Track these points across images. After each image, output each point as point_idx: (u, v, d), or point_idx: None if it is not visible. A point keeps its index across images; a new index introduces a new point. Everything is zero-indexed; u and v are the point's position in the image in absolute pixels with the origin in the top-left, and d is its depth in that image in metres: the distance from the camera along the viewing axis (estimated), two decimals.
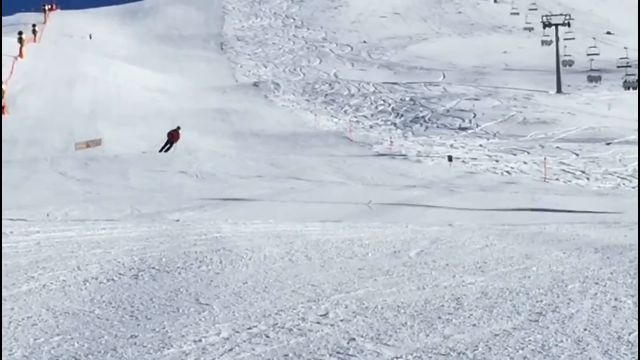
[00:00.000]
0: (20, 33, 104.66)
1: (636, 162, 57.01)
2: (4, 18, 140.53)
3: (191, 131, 65.23)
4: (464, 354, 6.64)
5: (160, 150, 50.88)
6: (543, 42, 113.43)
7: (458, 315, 7.79)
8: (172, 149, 51.39)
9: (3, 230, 13.59)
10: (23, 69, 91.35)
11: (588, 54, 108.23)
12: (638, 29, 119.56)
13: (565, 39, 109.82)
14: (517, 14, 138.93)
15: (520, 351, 6.71)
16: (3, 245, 11.65)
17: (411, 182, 38.24)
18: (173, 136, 52.41)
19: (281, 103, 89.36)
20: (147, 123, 70.01)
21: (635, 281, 9.18)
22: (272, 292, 8.70)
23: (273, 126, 66.20)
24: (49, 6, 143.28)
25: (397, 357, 6.55)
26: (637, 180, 50.73)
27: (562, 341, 6.97)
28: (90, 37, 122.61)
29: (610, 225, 18.74)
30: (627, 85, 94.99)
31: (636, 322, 7.56)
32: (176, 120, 69.49)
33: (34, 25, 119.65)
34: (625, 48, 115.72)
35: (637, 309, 8.01)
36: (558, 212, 25.04)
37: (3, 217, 17.58)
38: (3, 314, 7.82)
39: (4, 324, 7.52)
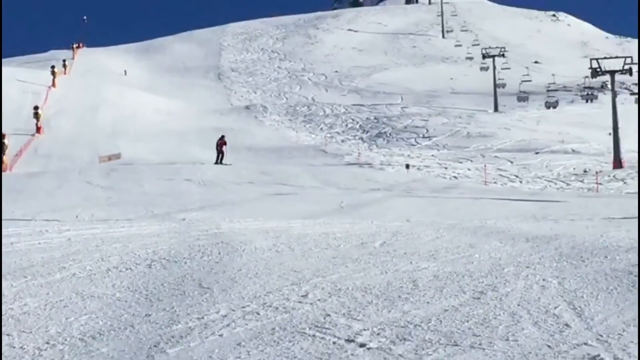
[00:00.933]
0: (52, 67, 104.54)
1: (560, 168, 57.14)
2: (39, 55, 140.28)
3: (194, 146, 65.20)
4: (419, 326, 6.69)
5: (216, 163, 48.88)
6: (481, 69, 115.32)
7: (414, 294, 7.83)
8: (224, 156, 49.11)
9: (40, 229, 13.57)
10: (55, 97, 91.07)
11: (522, 81, 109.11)
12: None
13: (503, 69, 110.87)
14: (460, 45, 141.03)
15: (466, 323, 6.76)
16: (40, 241, 11.63)
17: (376, 186, 38.18)
18: (220, 145, 50.21)
19: (268, 122, 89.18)
20: (159, 140, 69.96)
21: (559, 265, 9.21)
22: (261, 277, 8.73)
23: (262, 141, 66.06)
24: (77, 44, 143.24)
25: (364, 330, 6.59)
26: (562, 183, 50.81)
27: (499, 315, 7.02)
28: (125, 73, 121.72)
29: (539, 219, 18.81)
30: (547, 105, 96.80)
31: (560, 298, 7.61)
32: (184, 139, 69.25)
33: (64, 61, 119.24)
34: (553, 75, 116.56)
35: (561, 288, 8.06)
36: (496, 209, 25.03)
37: (40, 218, 17.53)
38: (40, 298, 7.83)
39: (40, 306, 7.53)
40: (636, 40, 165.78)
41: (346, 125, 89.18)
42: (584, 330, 6.53)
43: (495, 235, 12.51)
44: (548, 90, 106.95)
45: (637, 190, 41.84)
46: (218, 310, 7.24)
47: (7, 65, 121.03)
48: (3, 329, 6.77)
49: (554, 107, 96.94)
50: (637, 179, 52.46)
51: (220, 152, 48.67)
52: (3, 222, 15.56)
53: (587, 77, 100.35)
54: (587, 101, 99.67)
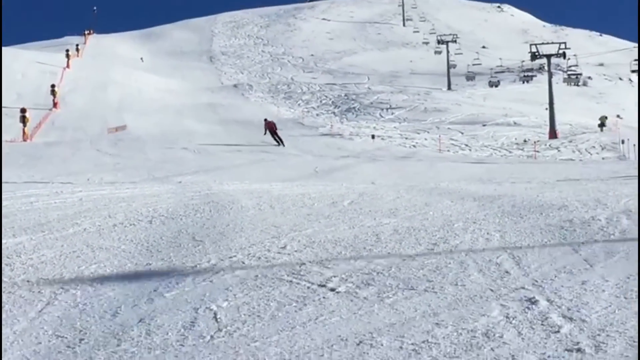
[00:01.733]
0: (67, 51, 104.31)
1: (503, 138, 57.32)
2: (55, 40, 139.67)
3: (190, 119, 64.90)
4: (381, 273, 6.70)
5: (278, 145, 42.11)
6: (436, 52, 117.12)
7: (377, 246, 7.85)
8: (276, 136, 42.34)
9: (55, 191, 13.51)
10: (70, 77, 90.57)
11: (473, 64, 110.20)
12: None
13: (456, 54, 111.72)
14: (418, 32, 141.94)
15: (421, 270, 6.78)
16: (56, 200, 11.59)
17: (345, 153, 38.25)
18: (270, 127, 43.21)
19: (253, 99, 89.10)
20: (159, 114, 69.80)
21: (501, 220, 9.23)
22: (246, 232, 8.73)
23: (248, 115, 65.75)
24: (88, 31, 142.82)
25: (334, 276, 6.60)
26: (505, 151, 50.92)
27: (450, 263, 7.05)
28: (142, 60, 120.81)
29: (485, 182, 18.88)
30: (490, 84, 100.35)
31: (502, 249, 7.63)
32: (181, 113, 68.97)
33: (77, 45, 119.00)
34: (500, 59, 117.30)
35: (503, 241, 8.09)
36: (448, 173, 25.08)
37: (56, 181, 17.44)
38: (56, 249, 7.80)
39: (56, 256, 7.50)
40: (570, 29, 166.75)
41: (320, 101, 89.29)
42: (521, 277, 6.56)
43: (447, 196, 12.53)
44: (496, 73, 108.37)
45: (569, 157, 41.99)
46: (209, 260, 7.25)
47: (28, 49, 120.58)
48: (24, 275, 6.75)
49: (496, 86, 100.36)
50: (570, 148, 52.73)
51: (273, 133, 42.55)
52: (24, 184, 15.48)
53: (524, 61, 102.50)
54: (523, 82, 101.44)
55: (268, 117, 48.51)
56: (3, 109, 69.04)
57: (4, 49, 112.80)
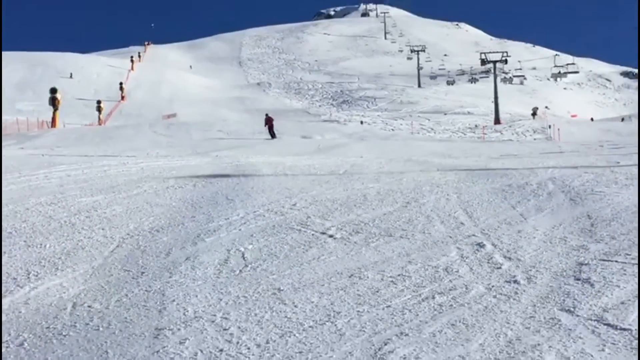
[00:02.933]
0: (131, 57, 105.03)
1: (460, 124, 57.35)
2: (122, 49, 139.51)
3: (223, 109, 64.88)
4: (367, 224, 6.71)
5: (270, 138, 34.21)
6: (408, 58, 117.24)
7: (364, 204, 7.84)
8: (271, 131, 35.17)
9: (123, 162, 13.48)
10: (133, 77, 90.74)
11: (439, 68, 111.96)
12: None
13: (426, 61, 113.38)
14: (395, 42, 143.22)
15: (398, 222, 6.79)
16: (123, 169, 11.57)
17: (341, 135, 38.15)
18: (269, 122, 35.94)
19: (272, 94, 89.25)
20: (200, 105, 69.93)
21: (458, 185, 9.20)
22: (266, 193, 8.72)
23: (268, 106, 65.79)
24: (147, 42, 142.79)
25: (332, 226, 6.60)
26: (461, 133, 50.89)
27: (419, 217, 7.05)
28: (191, 67, 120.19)
29: (446, 156, 18.83)
30: (448, 83, 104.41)
31: (458, 206, 7.61)
32: (217, 104, 68.91)
33: (139, 53, 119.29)
34: (460, 64, 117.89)
35: (459, 200, 8.08)
36: (418, 150, 25.05)
37: (123, 155, 17.39)
38: (123, 205, 7.79)
39: (123, 211, 7.50)
40: (511, 41, 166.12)
41: (322, 95, 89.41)
42: (473, 227, 6.57)
43: (417, 166, 12.50)
44: (453, 74, 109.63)
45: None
46: (238, 214, 7.24)
47: (102, 55, 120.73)
48: (99, 225, 6.75)
49: (452, 84, 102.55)
50: (510, 132, 52.65)
51: (271, 130, 35.56)
52: (99, 157, 15.45)
53: (472, 67, 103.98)
54: (472, 82, 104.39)
55: (269, 113, 41.50)
56: (85, 100, 69.26)
57: (86, 55, 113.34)
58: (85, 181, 9.82)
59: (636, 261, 5.27)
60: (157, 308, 4.47)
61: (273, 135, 34.75)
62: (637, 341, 3.84)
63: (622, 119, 64.16)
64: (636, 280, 4.84)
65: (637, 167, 10.36)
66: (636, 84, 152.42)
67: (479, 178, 9.88)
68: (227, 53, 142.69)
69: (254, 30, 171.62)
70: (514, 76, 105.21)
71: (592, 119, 63.30)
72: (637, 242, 5.83)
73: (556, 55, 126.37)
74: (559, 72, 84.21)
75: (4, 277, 5.08)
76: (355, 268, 5.25)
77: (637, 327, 4.02)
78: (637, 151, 15.29)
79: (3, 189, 8.81)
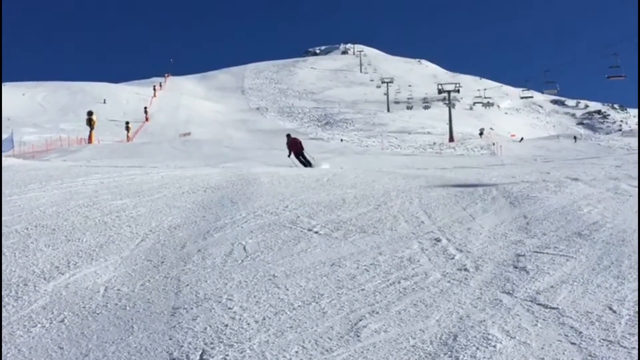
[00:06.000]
0: (154, 86, 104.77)
1: (421, 141, 57.61)
2: (146, 80, 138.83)
3: (229, 129, 64.77)
4: (345, 222, 6.68)
5: (305, 166, 20.48)
6: (377, 87, 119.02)
7: (343, 206, 7.82)
8: (301, 157, 21.00)
9: (147, 172, 13.39)
10: (155, 102, 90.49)
11: (407, 98, 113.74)
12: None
13: (397, 92, 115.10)
14: (367, 74, 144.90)
15: (370, 221, 6.77)
16: (146, 177, 11.46)
17: (325, 150, 38.17)
18: (294, 147, 21.20)
19: (269, 117, 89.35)
20: (210, 125, 69.75)
21: (419, 191, 9.11)
22: (263, 197, 8.66)
23: (265, 127, 65.88)
24: (167, 74, 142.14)
25: (317, 224, 6.58)
26: (422, 149, 51.07)
27: (387, 217, 7.04)
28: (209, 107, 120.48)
29: (410, 167, 18.87)
30: (407, 108, 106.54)
31: (420, 209, 7.60)
32: (224, 125, 68.81)
33: (160, 83, 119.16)
34: (426, 93, 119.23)
35: (420, 203, 8.06)
36: (387, 162, 25.09)
37: (147, 166, 17.27)
38: (146, 207, 7.73)
39: (147, 211, 7.43)
40: (462, 74, 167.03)
41: (309, 118, 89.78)
42: (431, 225, 6.58)
43: (387, 175, 12.48)
44: (412, 101, 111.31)
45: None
46: (241, 214, 7.20)
47: (130, 85, 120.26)
48: (127, 222, 6.70)
49: (411, 109, 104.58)
50: (462, 148, 52.79)
51: (301, 157, 21.05)
52: (127, 167, 15.35)
53: (426, 94, 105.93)
54: (425, 108, 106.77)
55: (291, 134, 23.42)
56: (116, 121, 68.89)
57: (117, 84, 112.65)
58: (116, 187, 9.76)
59: (563, 253, 5.31)
60: (174, 291, 4.46)
61: (306, 163, 20.53)
62: (563, 317, 3.86)
63: (558, 137, 64.35)
64: (563, 268, 4.87)
65: (564, 177, 10.40)
66: (563, 110, 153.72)
67: (436, 185, 9.89)
68: (232, 83, 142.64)
69: (254, 64, 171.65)
70: (473, 105, 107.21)
71: (521, 139, 63.27)
72: (563, 237, 5.87)
73: (500, 86, 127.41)
74: (486, 102, 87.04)
75: (48, 266, 5.05)
76: (335, 258, 5.25)
77: (564, 306, 4.04)
78: (564, 164, 15.36)
79: (48, 193, 8.74)
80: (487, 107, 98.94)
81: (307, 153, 20.96)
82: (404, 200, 8.26)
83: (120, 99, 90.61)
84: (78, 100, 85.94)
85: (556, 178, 10.24)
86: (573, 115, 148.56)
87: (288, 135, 22.03)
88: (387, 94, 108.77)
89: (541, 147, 49.92)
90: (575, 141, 56.40)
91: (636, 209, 7.13)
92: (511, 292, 4.36)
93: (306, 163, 20.56)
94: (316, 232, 6.20)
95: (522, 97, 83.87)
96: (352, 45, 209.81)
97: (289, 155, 20.74)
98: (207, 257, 5.30)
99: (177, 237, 6.05)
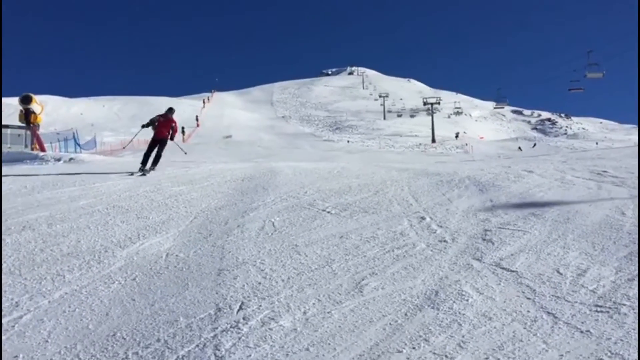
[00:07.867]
0: (204, 100, 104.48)
1: (410, 142, 57.22)
2: (197, 94, 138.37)
3: (261, 133, 64.61)
4: (351, 205, 6.64)
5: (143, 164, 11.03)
6: (375, 100, 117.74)
7: (350, 192, 7.77)
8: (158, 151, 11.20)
9: (198, 165, 13.38)
10: (204, 112, 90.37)
11: (401, 108, 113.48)
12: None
13: (392, 105, 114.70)
14: (367, 89, 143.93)
15: (371, 204, 6.72)
16: (198, 170, 11.45)
17: (334, 149, 38.08)
18: (161, 132, 11.03)
19: (292, 123, 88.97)
20: (246, 130, 69.56)
21: (409, 180, 9.00)
22: (288, 185, 8.63)
23: (289, 131, 65.66)
24: (213, 90, 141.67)
25: (329, 206, 6.54)
26: (410, 149, 50.77)
27: (384, 201, 6.98)
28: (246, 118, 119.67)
29: (401, 163, 18.75)
30: (397, 115, 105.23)
31: (409, 194, 7.55)
32: (257, 130, 68.83)
33: (208, 97, 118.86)
34: (415, 105, 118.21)
35: (409, 190, 8.00)
36: (384, 158, 24.96)
37: (198, 161, 17.27)
38: (197, 192, 7.72)
39: (197, 196, 7.42)
40: (443, 90, 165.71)
41: (323, 124, 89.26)
42: (418, 207, 6.54)
43: (383, 169, 12.40)
44: (402, 110, 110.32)
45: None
46: (270, 198, 7.17)
47: (185, 98, 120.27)
48: (183, 204, 6.71)
49: (401, 117, 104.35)
50: (441, 148, 52.41)
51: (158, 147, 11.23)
52: (183, 162, 15.37)
53: (415, 106, 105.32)
54: (412, 117, 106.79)
55: (174, 111, 12.98)
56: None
57: (175, 98, 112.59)
58: (174, 177, 9.79)
59: (521, 228, 5.25)
60: (219, 257, 4.48)
61: (153, 161, 11.07)
62: (521, 278, 3.83)
63: (519, 146, 62.33)
64: (521, 240, 4.83)
65: (521, 170, 10.28)
66: (521, 118, 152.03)
67: (422, 176, 9.83)
68: (264, 97, 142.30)
69: (280, 83, 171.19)
70: (451, 114, 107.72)
71: (481, 137, 62.95)
72: (521, 216, 5.80)
73: (474, 99, 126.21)
74: (457, 112, 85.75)
75: (123, 237, 5.08)
76: (343, 232, 5.23)
77: (521, 270, 4.01)
78: (522, 160, 15.18)
79: (123, 181, 8.80)
80: (458, 115, 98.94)
81: (164, 152, 11.41)
82: (397, 187, 8.22)
83: (177, 109, 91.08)
84: (144, 111, 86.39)
85: (515, 171, 10.13)
86: (529, 122, 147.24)
87: (169, 110, 11.62)
88: (383, 105, 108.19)
89: (503, 147, 49.51)
90: (534, 146, 55.57)
91: (578, 194, 7.05)
92: (480, 258, 4.33)
93: (152, 162, 11.08)
94: (328, 212, 6.19)
95: (495, 108, 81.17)
96: (356, 68, 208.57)
97: (143, 126, 11.16)
98: (244, 231, 5.31)
99: (221, 215, 6.07)
